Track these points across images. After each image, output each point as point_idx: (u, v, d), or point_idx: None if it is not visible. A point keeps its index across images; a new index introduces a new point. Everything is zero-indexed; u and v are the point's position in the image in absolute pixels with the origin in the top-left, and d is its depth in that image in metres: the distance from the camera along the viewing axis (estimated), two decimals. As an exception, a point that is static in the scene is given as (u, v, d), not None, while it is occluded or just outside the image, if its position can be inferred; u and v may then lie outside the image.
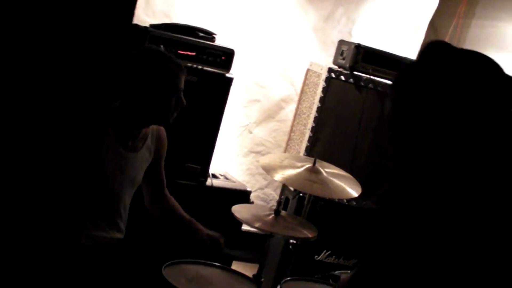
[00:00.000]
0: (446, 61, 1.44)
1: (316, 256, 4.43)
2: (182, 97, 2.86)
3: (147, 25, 4.00)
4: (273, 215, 3.28)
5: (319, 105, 4.44)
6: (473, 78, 1.42)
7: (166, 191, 3.18)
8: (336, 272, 3.46)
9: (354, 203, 4.37)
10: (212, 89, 4.01)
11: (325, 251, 4.42)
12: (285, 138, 4.90)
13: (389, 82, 4.49)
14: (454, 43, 4.77)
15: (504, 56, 5.35)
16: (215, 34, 4.17)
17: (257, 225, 3.14)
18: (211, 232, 3.15)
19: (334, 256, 4.47)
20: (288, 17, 4.92)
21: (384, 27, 5.27)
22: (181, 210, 3.20)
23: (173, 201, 3.20)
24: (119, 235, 2.99)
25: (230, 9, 4.71)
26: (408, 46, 5.38)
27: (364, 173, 4.37)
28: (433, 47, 1.48)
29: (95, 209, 2.85)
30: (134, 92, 2.80)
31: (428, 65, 1.45)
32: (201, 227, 3.15)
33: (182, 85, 2.86)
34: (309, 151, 4.43)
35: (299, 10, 4.95)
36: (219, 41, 4.16)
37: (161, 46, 3.73)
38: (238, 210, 3.25)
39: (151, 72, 2.79)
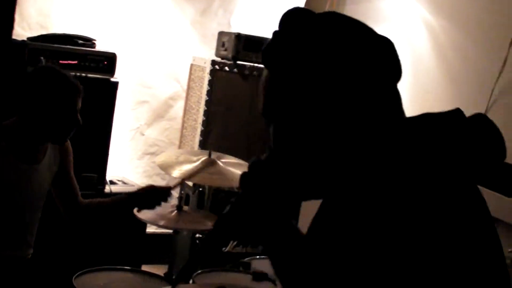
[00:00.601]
0: (309, 25, 1.36)
1: (224, 248, 4.46)
2: (79, 117, 2.84)
3: (24, 38, 3.92)
4: (176, 211, 3.29)
5: (207, 98, 4.47)
6: (341, 38, 1.37)
7: (81, 198, 3.12)
8: (246, 259, 3.50)
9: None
10: (99, 95, 3.98)
11: (231, 241, 4.46)
12: (178, 135, 4.91)
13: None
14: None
15: (382, 28, 5.49)
16: (95, 40, 4.12)
17: (161, 223, 3.15)
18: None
19: (241, 246, 4.51)
20: (165, 15, 4.92)
21: (262, 14, 5.34)
22: (100, 199, 3.17)
23: (89, 200, 3.13)
24: (28, 251, 2.94)
25: (108, 14, 4.67)
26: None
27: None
28: (293, 14, 1.44)
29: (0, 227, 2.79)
30: (30, 111, 2.76)
31: (292, 32, 1.37)
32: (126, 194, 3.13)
33: (79, 106, 2.83)
34: (203, 145, 4.45)
35: (175, 7, 4.95)
36: (100, 47, 4.12)
37: (42, 58, 3.66)
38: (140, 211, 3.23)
39: (46, 93, 2.74)
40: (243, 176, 1.47)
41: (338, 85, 1.31)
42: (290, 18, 1.42)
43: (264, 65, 1.42)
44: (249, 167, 1.47)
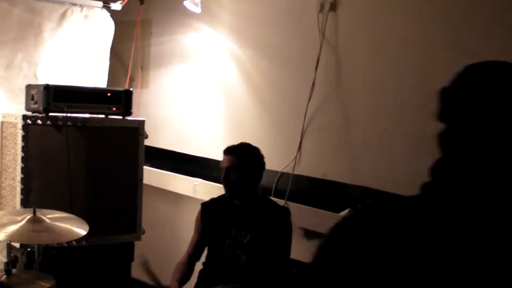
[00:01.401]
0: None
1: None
2: None
3: None
4: (4, 276, 3.15)
5: (23, 155, 4.31)
6: None
7: None
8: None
9: (84, 242, 4.31)
10: None
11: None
12: (-4, 197, 4.68)
13: (87, 115, 4.50)
14: (139, 64, 4.91)
15: (187, 65, 5.61)
16: None
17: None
18: None
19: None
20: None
21: (68, 63, 5.25)
22: None
23: None
24: None
25: None
26: (94, 76, 5.42)
27: (86, 210, 4.35)
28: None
29: None
30: None
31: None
32: None
33: None
34: (25, 203, 4.28)
35: (-24, 64, 4.77)
36: None
37: None
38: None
39: None
40: None
41: None
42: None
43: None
44: None
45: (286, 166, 4.63)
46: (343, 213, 4.22)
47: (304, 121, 4.54)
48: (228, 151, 3.95)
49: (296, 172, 4.59)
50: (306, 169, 4.57)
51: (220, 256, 3.85)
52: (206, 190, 4.94)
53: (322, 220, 4.33)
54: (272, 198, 4.53)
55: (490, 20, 3.61)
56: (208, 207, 4.06)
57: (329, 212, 4.30)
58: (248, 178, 3.91)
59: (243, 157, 3.91)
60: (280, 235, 3.86)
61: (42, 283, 3.27)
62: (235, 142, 4.52)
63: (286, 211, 4.00)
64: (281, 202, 4.53)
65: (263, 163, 3.99)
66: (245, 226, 3.86)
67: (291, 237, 3.95)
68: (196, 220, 4.09)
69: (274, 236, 3.82)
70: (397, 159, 4.08)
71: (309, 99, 4.50)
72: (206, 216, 4.03)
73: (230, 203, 3.96)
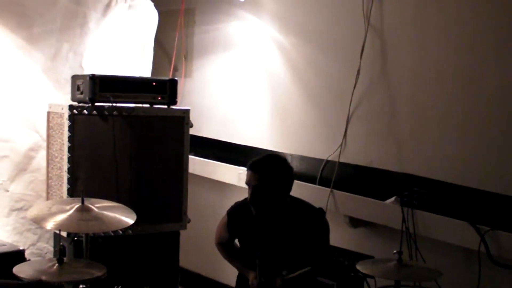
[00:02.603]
0: None
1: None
2: None
3: None
4: (57, 264, 3.19)
5: (70, 145, 4.35)
6: None
7: None
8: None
9: (130, 231, 4.35)
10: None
11: (115, 286, 4.36)
12: (44, 187, 4.74)
13: (132, 105, 4.53)
14: (182, 53, 4.94)
15: (231, 54, 5.61)
16: None
17: (44, 278, 3.04)
18: None
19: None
20: (14, 64, 4.76)
21: (113, 53, 5.29)
22: None
23: None
24: None
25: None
26: (139, 66, 5.45)
27: (132, 199, 4.38)
28: None
29: None
30: None
31: None
32: None
33: None
34: (72, 192, 4.33)
35: (24, 55, 4.81)
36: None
37: None
38: (20, 270, 3.13)
39: None
40: None
41: None
42: None
43: None
44: None
45: (332, 154, 4.61)
46: (389, 200, 4.19)
47: (349, 108, 4.51)
48: (254, 167, 3.70)
49: (341, 160, 4.57)
50: (351, 157, 4.54)
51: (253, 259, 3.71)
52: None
53: (368, 208, 4.31)
54: (318, 186, 4.52)
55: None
56: (235, 217, 3.91)
57: (375, 200, 4.28)
58: (277, 195, 3.69)
59: (270, 175, 3.66)
60: (319, 237, 3.76)
61: (94, 271, 3.31)
62: (280, 130, 4.54)
63: (320, 212, 3.82)
64: (326, 190, 4.52)
65: (291, 176, 3.76)
66: (278, 236, 3.72)
67: (329, 237, 3.84)
68: (221, 228, 4.00)
69: (312, 239, 3.71)
70: (444, 146, 4.04)
71: (355, 86, 4.46)
72: (233, 227, 3.93)
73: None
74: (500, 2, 3.75)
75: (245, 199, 3.83)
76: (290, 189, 3.75)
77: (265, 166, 3.68)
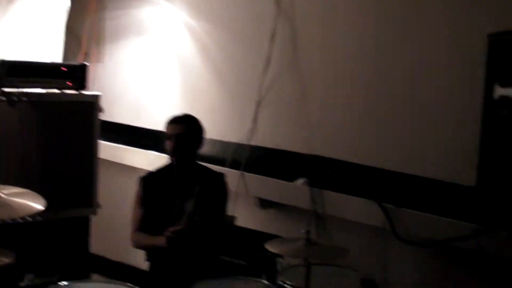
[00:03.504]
0: None
1: (20, 283, 4.29)
2: None
3: None
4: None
5: (-25, 131, 4.27)
6: None
7: None
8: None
9: (39, 218, 4.29)
10: None
11: (26, 274, 4.30)
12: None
13: (42, 90, 4.46)
14: (94, 38, 4.87)
15: (143, 39, 5.59)
16: None
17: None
18: None
19: (38, 277, 4.36)
20: None
21: (22, 38, 5.20)
22: None
23: None
24: None
25: None
26: (50, 51, 5.37)
27: (42, 185, 4.32)
28: None
29: None
30: None
31: None
32: None
33: None
34: (-20, 180, 4.24)
35: None
36: None
37: None
38: None
39: None
40: None
41: None
42: None
43: None
44: None
45: (242, 137, 4.65)
46: (298, 182, 4.27)
47: (260, 92, 4.56)
48: (176, 120, 4.05)
49: (252, 143, 4.62)
50: (261, 140, 4.60)
51: (167, 226, 3.87)
52: (161, 162, 4.95)
53: (277, 189, 4.38)
54: (228, 169, 4.57)
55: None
56: (149, 180, 4.10)
57: (284, 181, 4.35)
58: (196, 145, 4.04)
59: (191, 125, 4.04)
60: (219, 198, 4.03)
61: (3, 258, 3.26)
62: (192, 107, 4.58)
63: (221, 176, 4.09)
64: (237, 172, 4.56)
65: (204, 132, 4.09)
66: (187, 194, 3.94)
67: (228, 198, 4.09)
68: (137, 195, 4.10)
69: (213, 200, 3.97)
70: (350, 129, 4.14)
71: (265, 70, 4.51)
72: (147, 189, 4.07)
73: (170, 173, 4.05)
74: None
75: (158, 168, 4.12)
76: (203, 143, 4.07)
77: (186, 117, 4.08)
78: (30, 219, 4.22)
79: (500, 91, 2.77)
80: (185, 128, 3.99)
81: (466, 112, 3.51)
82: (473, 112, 3.16)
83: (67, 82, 4.57)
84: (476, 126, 3.04)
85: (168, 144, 3.99)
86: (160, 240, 3.83)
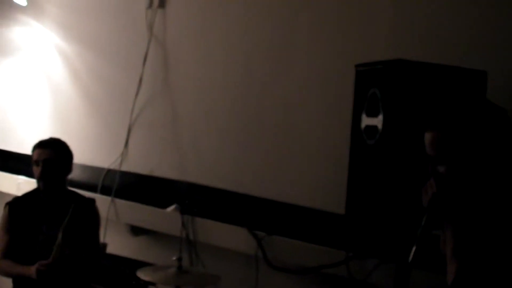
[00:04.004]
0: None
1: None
2: None
3: None
4: None
5: None
6: None
7: None
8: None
9: None
10: None
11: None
12: None
13: None
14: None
15: (11, 60, 5.42)
16: None
17: None
18: None
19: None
20: None
21: None
22: None
23: None
24: None
25: None
26: None
27: None
28: None
29: None
30: None
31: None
32: None
33: None
34: None
35: None
36: None
37: None
38: None
39: None
40: None
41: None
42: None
43: None
44: None
45: (113, 163, 4.59)
46: (170, 208, 4.24)
47: (131, 116, 4.52)
48: (43, 144, 3.91)
49: (123, 169, 4.56)
50: (133, 165, 4.56)
51: (34, 253, 3.74)
52: (30, 187, 4.80)
53: (148, 216, 4.33)
54: (99, 195, 4.49)
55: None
56: (15, 206, 3.93)
57: (155, 208, 4.32)
58: (64, 171, 3.91)
59: (59, 150, 3.90)
60: (90, 225, 3.88)
61: None
62: (62, 138, 4.44)
63: (92, 202, 3.96)
64: (107, 198, 4.48)
65: (73, 156, 3.97)
66: (55, 221, 3.78)
67: (100, 225, 3.98)
68: (3, 221, 3.93)
69: (84, 228, 3.80)
70: (223, 155, 4.17)
71: (136, 95, 4.48)
72: (13, 215, 3.90)
73: (37, 198, 3.90)
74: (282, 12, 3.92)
75: (26, 193, 3.96)
76: (71, 169, 3.94)
77: (54, 142, 3.93)
78: None
79: (366, 120, 2.84)
80: (53, 153, 3.85)
81: (336, 141, 3.60)
82: (343, 141, 3.24)
83: None
84: (346, 155, 3.11)
85: (35, 170, 3.86)
86: (29, 271, 3.69)
